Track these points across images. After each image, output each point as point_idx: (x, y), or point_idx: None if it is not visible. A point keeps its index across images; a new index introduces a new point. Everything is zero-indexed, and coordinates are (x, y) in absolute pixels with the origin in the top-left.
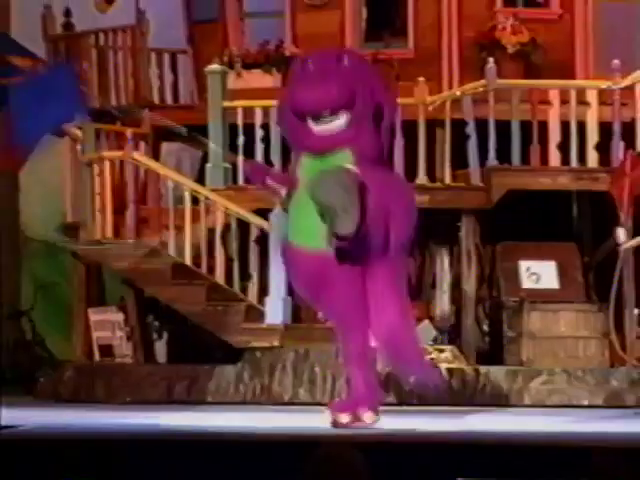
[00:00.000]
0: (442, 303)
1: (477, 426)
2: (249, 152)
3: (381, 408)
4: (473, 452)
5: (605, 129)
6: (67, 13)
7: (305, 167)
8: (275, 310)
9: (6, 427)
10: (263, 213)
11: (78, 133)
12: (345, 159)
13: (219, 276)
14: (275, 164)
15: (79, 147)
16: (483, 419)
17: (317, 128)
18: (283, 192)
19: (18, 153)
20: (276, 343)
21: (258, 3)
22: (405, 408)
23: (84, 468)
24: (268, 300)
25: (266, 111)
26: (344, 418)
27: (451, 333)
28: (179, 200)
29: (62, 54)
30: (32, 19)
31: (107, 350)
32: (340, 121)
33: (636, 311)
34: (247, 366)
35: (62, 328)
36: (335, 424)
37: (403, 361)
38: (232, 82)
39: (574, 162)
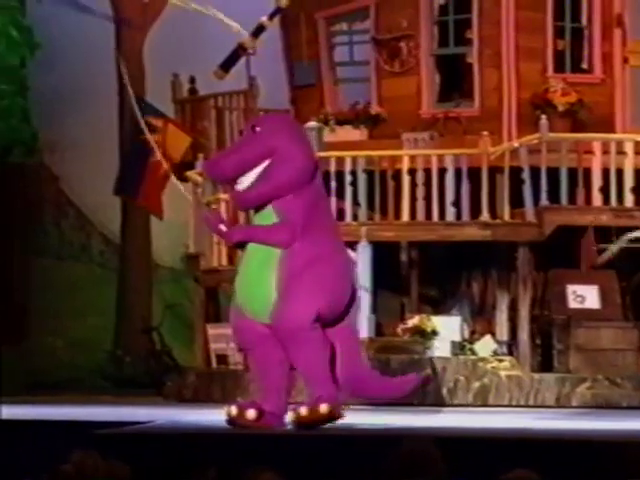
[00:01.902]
0: (501, 321)
1: (532, 424)
2: (340, 195)
3: (456, 409)
4: (530, 448)
5: None
6: (192, 80)
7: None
8: (361, 326)
9: (140, 423)
10: (351, 245)
11: (199, 179)
12: (270, 216)
13: None
14: (362, 204)
15: (199, 190)
16: (537, 418)
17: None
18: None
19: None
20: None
21: (349, 71)
22: (471, 409)
23: (204, 459)
24: None
25: (354, 160)
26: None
27: (509, 346)
28: None
29: (187, 114)
30: (163, 85)
31: (222, 359)
32: (242, 184)
33: None
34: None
35: (185, 341)
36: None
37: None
38: (327, 136)
39: (613, 202)
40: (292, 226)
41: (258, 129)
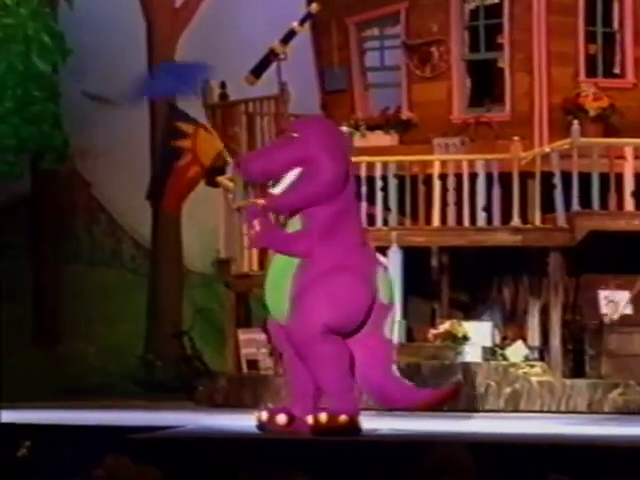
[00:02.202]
0: (533, 326)
1: (564, 430)
2: (371, 200)
3: (488, 415)
4: (562, 453)
5: None
6: (223, 85)
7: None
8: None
9: (171, 427)
10: (382, 250)
11: (230, 184)
12: (297, 223)
13: None
14: (392, 209)
15: (230, 196)
16: (569, 424)
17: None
18: None
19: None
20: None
21: (380, 76)
22: (502, 415)
23: (235, 464)
24: None
25: (385, 165)
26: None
27: (541, 352)
28: None
29: (218, 119)
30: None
31: (253, 364)
32: (277, 189)
33: None
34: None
35: (216, 345)
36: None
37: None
38: (357, 141)
39: None
40: (310, 236)
41: (295, 135)
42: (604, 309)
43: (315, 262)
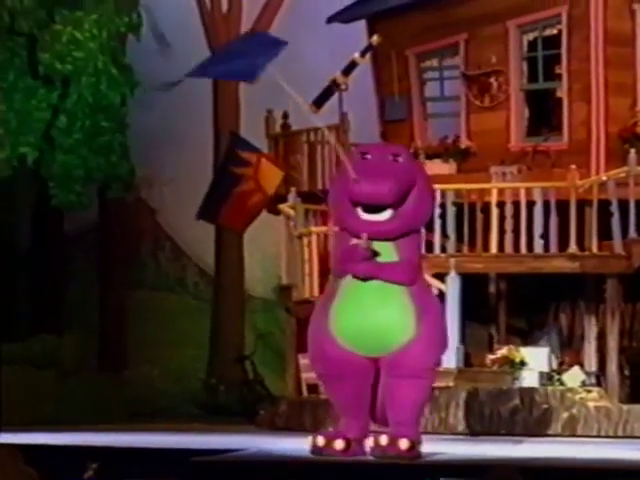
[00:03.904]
0: (590, 352)
1: (621, 455)
2: (429, 227)
3: (545, 439)
4: (619, 478)
5: None
6: (285, 116)
7: None
8: (450, 356)
9: (234, 450)
10: (440, 276)
11: (291, 212)
12: (389, 250)
13: None
14: (451, 237)
15: (292, 223)
16: (626, 449)
17: (365, 216)
18: None
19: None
20: (451, 384)
21: (439, 106)
22: (559, 439)
23: None
24: None
25: (444, 193)
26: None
27: (597, 377)
28: None
29: (280, 148)
30: (257, 121)
31: (313, 388)
32: (386, 213)
33: None
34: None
35: (277, 370)
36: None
37: None
38: None
39: None
40: (414, 265)
41: (401, 159)
42: None
43: (422, 290)
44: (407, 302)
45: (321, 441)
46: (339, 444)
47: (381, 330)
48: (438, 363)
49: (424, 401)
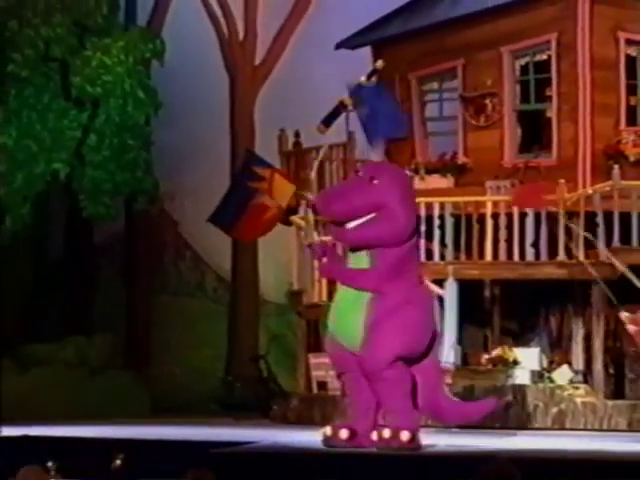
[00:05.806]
0: (577, 352)
1: (606, 447)
2: (429, 237)
3: (535, 432)
4: (605, 469)
5: None
6: (297, 134)
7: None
8: (448, 354)
9: (249, 442)
10: (439, 282)
11: (302, 223)
12: (362, 259)
13: None
14: (449, 245)
15: (302, 233)
16: (610, 442)
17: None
18: None
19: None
20: (448, 380)
21: (438, 125)
22: (549, 433)
23: (307, 476)
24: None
25: (442, 205)
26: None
27: (585, 375)
28: None
29: (292, 165)
30: (271, 139)
31: (322, 385)
32: (350, 225)
33: None
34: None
35: (289, 369)
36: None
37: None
38: (417, 184)
39: None
40: (379, 275)
41: (375, 182)
42: None
43: (385, 297)
44: (367, 306)
45: (329, 431)
46: (343, 433)
47: (344, 331)
48: (405, 356)
49: (404, 391)
